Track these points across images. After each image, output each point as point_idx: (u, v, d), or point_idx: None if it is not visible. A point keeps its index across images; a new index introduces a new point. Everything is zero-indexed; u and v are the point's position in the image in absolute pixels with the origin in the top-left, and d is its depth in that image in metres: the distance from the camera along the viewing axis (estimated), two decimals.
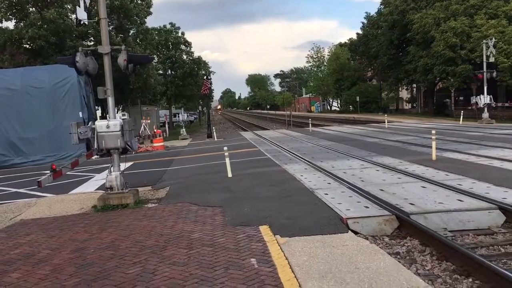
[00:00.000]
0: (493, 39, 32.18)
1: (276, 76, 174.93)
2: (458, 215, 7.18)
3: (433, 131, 13.93)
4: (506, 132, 21.09)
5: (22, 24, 31.37)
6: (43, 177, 9.60)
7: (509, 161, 11.89)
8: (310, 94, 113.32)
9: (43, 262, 6.30)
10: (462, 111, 34.01)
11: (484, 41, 32.38)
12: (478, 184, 9.17)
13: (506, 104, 38.21)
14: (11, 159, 22.12)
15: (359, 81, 75.23)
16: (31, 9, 33.02)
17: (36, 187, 9.91)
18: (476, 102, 31.85)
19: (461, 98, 50.83)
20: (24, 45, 31.90)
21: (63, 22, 30.38)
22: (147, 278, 5.33)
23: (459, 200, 7.91)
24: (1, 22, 31.79)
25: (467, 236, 6.70)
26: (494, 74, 31.57)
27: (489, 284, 4.91)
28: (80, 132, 9.64)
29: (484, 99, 31.01)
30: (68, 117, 21.36)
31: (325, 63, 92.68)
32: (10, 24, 32.86)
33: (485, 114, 30.88)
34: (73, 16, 33.08)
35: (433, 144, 13.43)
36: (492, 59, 31.70)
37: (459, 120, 31.99)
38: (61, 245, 7.10)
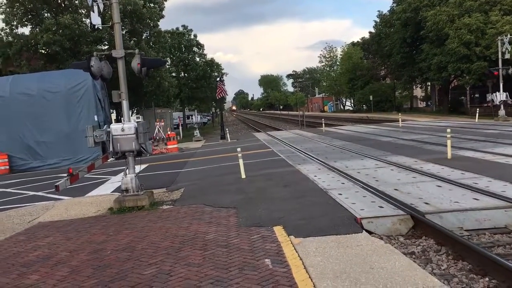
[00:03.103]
0: (509, 36, 31.75)
1: (288, 76, 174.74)
2: (474, 214, 7.12)
3: (448, 129, 13.81)
4: None
5: (37, 29, 31.83)
6: (61, 181, 9.75)
7: None
8: (323, 94, 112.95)
9: (61, 263, 6.40)
10: (477, 109, 33.63)
11: (499, 37, 31.99)
12: (494, 182, 9.07)
13: None
14: (29, 162, 22.48)
15: (372, 80, 74.76)
16: (46, 14, 33.48)
17: (53, 190, 10.05)
18: (492, 99, 31.47)
19: (477, 95, 50.26)
20: (40, 50, 32.35)
21: (77, 28, 30.75)
22: (163, 279, 5.40)
23: (475, 199, 7.84)
24: (17, 28, 32.31)
25: (483, 235, 6.64)
26: (510, 71, 31.15)
27: (505, 283, 4.87)
28: (95, 135, 9.78)
29: (500, 96, 30.63)
30: (84, 120, 21.68)
31: (337, 63, 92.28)
32: (26, 30, 33.42)
33: (501, 112, 30.47)
34: (88, 21, 33.48)
35: (448, 142, 13.31)
36: (507, 56, 31.30)
37: (475, 118, 31.60)
38: (79, 247, 7.21)
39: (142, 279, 5.45)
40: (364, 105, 75.61)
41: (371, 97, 66.77)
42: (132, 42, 33.52)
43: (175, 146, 25.81)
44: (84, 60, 10.18)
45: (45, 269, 6.23)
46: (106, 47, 33.26)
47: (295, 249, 6.03)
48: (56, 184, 9.57)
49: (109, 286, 5.35)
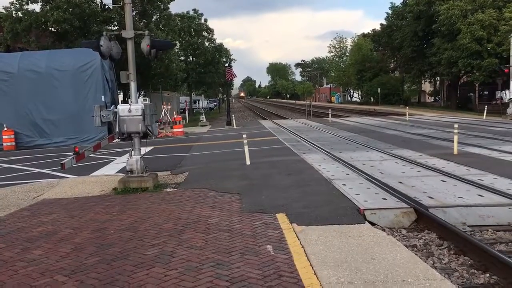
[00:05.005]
0: None
1: (297, 65, 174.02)
2: (477, 210, 7.10)
3: (456, 125, 13.73)
4: None
5: (48, 7, 31.70)
6: (66, 159, 9.80)
7: None
8: (331, 84, 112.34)
9: (65, 240, 6.46)
10: (486, 106, 33.35)
11: None
12: (499, 180, 9.03)
13: None
14: (35, 140, 22.61)
15: (381, 72, 74.24)
16: None
17: (58, 168, 10.11)
18: (501, 97, 31.26)
19: (486, 92, 49.81)
20: (50, 28, 32.26)
21: (88, 6, 30.66)
22: (165, 260, 5.44)
23: (479, 195, 7.82)
24: (27, 4, 32.16)
25: (486, 231, 6.63)
26: None
27: (506, 280, 4.87)
28: (102, 115, 9.79)
29: (510, 94, 30.36)
30: (91, 100, 21.72)
31: (347, 54, 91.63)
32: (36, 7, 33.27)
33: (510, 110, 30.22)
34: (98, 0, 33.35)
35: (455, 138, 13.24)
36: None
37: (483, 115, 31.38)
38: (82, 225, 7.27)
39: (144, 259, 5.49)
40: (371, 98, 75.24)
41: (379, 90, 66.32)
42: (142, 23, 33.37)
43: (181, 130, 25.86)
44: (94, 40, 10.16)
45: (49, 245, 6.29)
46: (116, 27, 33.14)
47: (297, 236, 6.04)
48: (62, 162, 9.64)
49: (112, 264, 5.40)
